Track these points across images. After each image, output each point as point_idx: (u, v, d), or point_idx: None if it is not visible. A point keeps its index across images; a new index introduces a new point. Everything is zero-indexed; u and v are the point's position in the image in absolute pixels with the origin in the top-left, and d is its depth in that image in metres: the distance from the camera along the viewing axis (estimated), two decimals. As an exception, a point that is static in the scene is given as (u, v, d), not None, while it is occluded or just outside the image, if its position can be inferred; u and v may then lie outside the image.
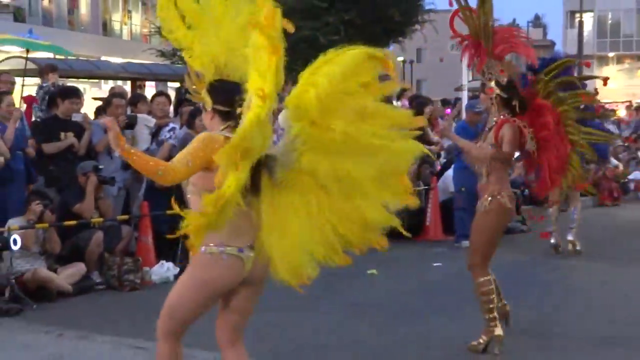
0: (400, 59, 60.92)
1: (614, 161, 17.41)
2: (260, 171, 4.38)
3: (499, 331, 6.77)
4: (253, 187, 4.34)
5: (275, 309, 8.37)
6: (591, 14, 61.80)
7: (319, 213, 4.43)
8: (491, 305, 6.78)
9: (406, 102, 17.13)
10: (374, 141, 4.42)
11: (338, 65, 4.28)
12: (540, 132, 6.91)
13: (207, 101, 4.55)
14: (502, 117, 6.78)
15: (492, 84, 6.80)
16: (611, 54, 62.79)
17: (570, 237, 11.73)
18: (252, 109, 3.97)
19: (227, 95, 4.44)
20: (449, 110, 17.45)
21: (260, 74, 4.03)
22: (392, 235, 13.53)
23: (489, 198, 6.83)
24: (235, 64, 4.48)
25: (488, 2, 6.89)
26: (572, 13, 59.78)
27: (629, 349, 6.91)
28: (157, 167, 4.26)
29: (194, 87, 4.72)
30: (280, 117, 4.37)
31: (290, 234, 4.43)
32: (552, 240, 11.73)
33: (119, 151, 4.26)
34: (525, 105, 6.84)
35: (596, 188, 15.87)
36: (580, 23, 46.74)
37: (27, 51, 14.91)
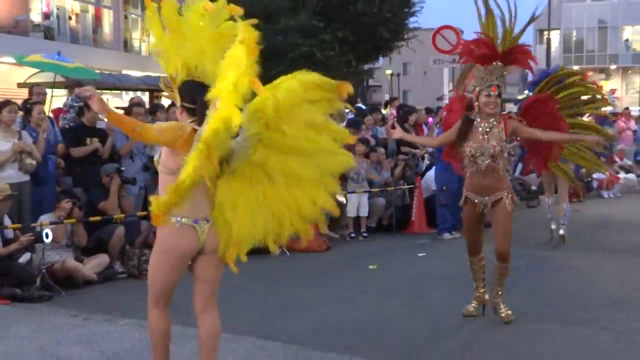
0: (389, 72, 61.00)
1: None
2: (221, 160, 4.56)
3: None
4: (221, 169, 4.55)
5: (281, 294, 8.41)
6: (558, 31, 61.90)
7: (264, 200, 4.68)
8: None
9: (394, 111, 17.12)
10: (317, 146, 4.73)
11: (298, 82, 4.59)
12: (533, 123, 7.04)
13: (177, 99, 4.75)
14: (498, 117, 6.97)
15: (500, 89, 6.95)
16: (575, 67, 62.82)
17: (561, 232, 11.77)
18: (220, 111, 4.15)
19: (193, 94, 4.62)
20: (431, 119, 17.45)
21: (236, 70, 4.21)
22: (383, 228, 13.61)
23: (510, 196, 6.97)
24: (205, 68, 4.63)
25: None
26: (541, 31, 59.85)
27: (595, 328, 6.91)
28: (135, 125, 4.54)
29: (167, 86, 4.82)
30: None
31: (238, 215, 4.65)
32: (553, 227, 11.96)
33: (104, 114, 4.46)
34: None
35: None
36: (548, 40, 46.78)
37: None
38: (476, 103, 6.98)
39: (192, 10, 4.62)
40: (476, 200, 7.01)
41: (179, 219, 4.58)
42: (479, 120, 6.97)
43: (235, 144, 4.60)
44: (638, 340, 6.57)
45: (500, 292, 7.19)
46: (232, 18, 4.60)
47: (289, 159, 4.68)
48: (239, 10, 4.57)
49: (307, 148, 4.71)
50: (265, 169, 4.66)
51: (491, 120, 6.93)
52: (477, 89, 6.97)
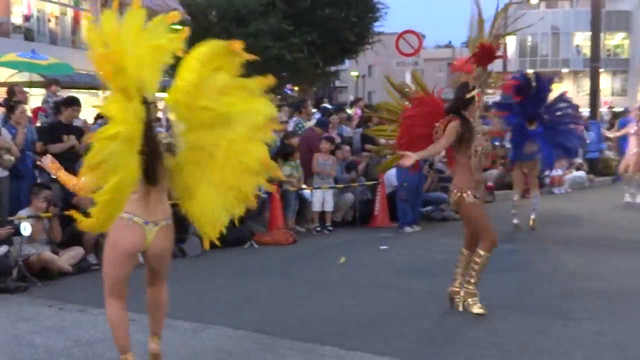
0: (355, 73, 61.03)
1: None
2: (162, 161, 4.68)
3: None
4: (155, 175, 4.65)
5: (249, 285, 8.37)
6: (514, 37, 62.34)
7: (215, 175, 4.74)
8: None
9: (359, 111, 17.11)
10: (238, 107, 4.73)
11: (196, 59, 4.61)
12: None
13: None
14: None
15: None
16: (530, 71, 63.27)
17: (533, 217, 12.22)
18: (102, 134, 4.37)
19: None
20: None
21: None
22: (347, 223, 13.54)
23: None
24: (145, 81, 4.60)
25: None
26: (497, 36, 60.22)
27: (545, 316, 6.95)
28: (75, 185, 4.78)
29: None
30: (165, 110, 4.61)
31: (201, 199, 4.76)
32: (515, 221, 12.18)
33: (57, 175, 4.94)
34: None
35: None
36: (505, 45, 47.10)
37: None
38: (480, 104, 6.94)
39: (131, 23, 4.55)
40: (478, 195, 6.99)
41: (131, 216, 4.70)
42: (472, 120, 6.93)
43: (170, 137, 4.75)
44: (584, 328, 6.62)
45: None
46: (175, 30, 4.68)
47: (218, 131, 4.72)
48: (176, 17, 4.68)
49: (229, 113, 4.72)
50: (203, 148, 4.72)
51: (477, 119, 6.97)
52: (479, 89, 6.92)
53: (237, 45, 4.71)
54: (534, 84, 11.78)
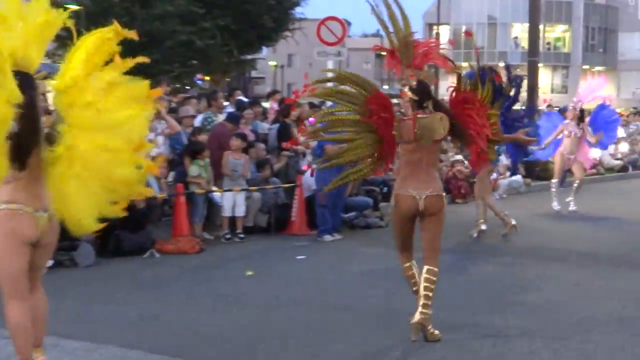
0: (273, 63, 61.13)
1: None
2: (39, 147, 4.81)
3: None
4: (24, 160, 4.77)
5: (147, 300, 8.30)
6: (448, 26, 63.34)
7: (89, 179, 4.96)
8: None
9: (275, 104, 17.11)
10: (117, 116, 4.95)
11: (84, 50, 4.84)
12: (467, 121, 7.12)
13: None
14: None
15: (406, 89, 6.98)
16: (465, 64, 64.36)
17: (513, 222, 12.62)
18: None
19: (19, 84, 4.65)
20: (312, 120, 17.45)
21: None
22: (261, 230, 13.49)
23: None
24: (31, 58, 4.82)
25: (407, 21, 7.04)
26: (430, 25, 61.20)
27: (475, 333, 7.11)
28: None
29: None
30: (50, 98, 4.94)
31: (71, 197, 4.97)
32: (483, 227, 12.85)
33: None
34: (439, 105, 7.08)
35: (447, 186, 16.23)
36: (437, 35, 47.75)
37: None
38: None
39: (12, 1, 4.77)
40: None
41: (20, 206, 4.85)
42: None
43: (52, 128, 4.86)
44: (516, 346, 6.77)
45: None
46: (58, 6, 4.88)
47: (97, 135, 4.92)
48: None
49: (110, 119, 4.92)
50: (80, 149, 4.87)
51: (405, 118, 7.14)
52: None
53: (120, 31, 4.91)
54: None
